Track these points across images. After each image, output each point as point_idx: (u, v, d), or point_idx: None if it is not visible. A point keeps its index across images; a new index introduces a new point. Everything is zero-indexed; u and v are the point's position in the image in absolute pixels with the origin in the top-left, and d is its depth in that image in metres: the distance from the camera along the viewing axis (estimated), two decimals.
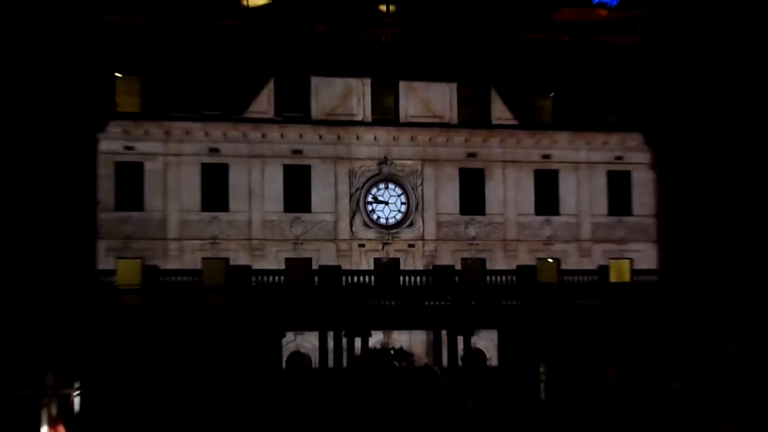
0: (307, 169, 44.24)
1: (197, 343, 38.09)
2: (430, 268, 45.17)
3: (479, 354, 43.89)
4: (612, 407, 28.85)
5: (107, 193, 41.38)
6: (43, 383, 20.09)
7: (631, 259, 46.34)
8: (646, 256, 46.54)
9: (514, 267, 45.56)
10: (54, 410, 21.21)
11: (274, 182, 43.81)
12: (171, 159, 42.44)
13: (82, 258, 39.22)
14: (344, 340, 41.39)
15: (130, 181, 42.23)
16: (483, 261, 45.66)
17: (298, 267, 43.32)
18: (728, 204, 42.60)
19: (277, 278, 42.27)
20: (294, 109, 44.19)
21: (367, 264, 44.64)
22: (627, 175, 46.87)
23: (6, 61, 37.05)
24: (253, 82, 43.50)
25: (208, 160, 42.85)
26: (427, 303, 42.28)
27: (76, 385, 25.74)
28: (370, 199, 44.49)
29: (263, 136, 43.39)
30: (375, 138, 44.91)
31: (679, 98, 44.75)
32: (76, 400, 25.67)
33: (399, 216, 45.28)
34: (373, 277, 43.09)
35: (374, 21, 46.12)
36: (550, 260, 45.81)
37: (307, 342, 42.45)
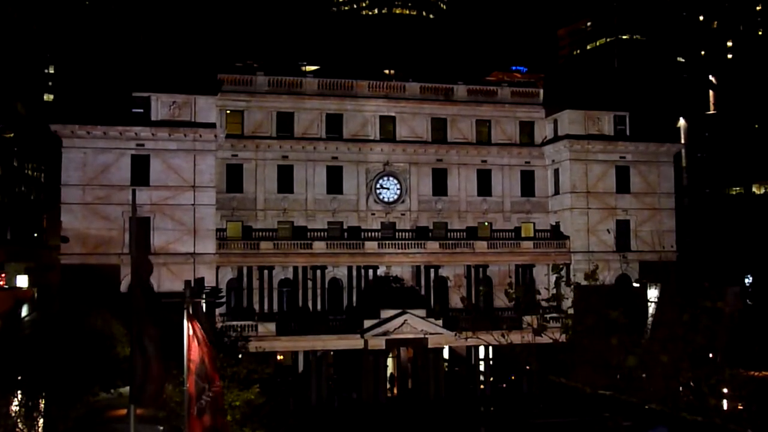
0: (340, 168, 66.88)
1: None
2: (414, 228, 68.37)
3: (444, 279, 66.21)
4: None
5: (221, 182, 63.71)
6: (183, 294, 26.44)
7: (534, 223, 71.14)
8: (542, 221, 71.34)
9: (464, 228, 69.58)
10: (190, 311, 26.48)
11: (320, 176, 66.37)
12: (259, 162, 65.44)
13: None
14: (362, 271, 66.29)
15: (235, 175, 65.15)
16: (446, 223, 69.04)
17: (335, 227, 67.28)
18: None
19: (322, 233, 66.51)
20: (333, 131, 66.97)
21: (376, 225, 67.35)
22: (532, 173, 70.72)
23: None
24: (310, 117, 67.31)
25: (281, 162, 65.68)
26: (413, 249, 66.27)
27: (203, 295, 41.43)
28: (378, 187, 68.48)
29: (314, 148, 66.22)
30: (381, 150, 67.35)
31: None
32: (203, 305, 42.25)
33: (395, 197, 67.94)
34: (379, 233, 67.01)
35: (382, 77, 71.16)
36: (486, 224, 70.50)
37: (340, 272, 66.12)
